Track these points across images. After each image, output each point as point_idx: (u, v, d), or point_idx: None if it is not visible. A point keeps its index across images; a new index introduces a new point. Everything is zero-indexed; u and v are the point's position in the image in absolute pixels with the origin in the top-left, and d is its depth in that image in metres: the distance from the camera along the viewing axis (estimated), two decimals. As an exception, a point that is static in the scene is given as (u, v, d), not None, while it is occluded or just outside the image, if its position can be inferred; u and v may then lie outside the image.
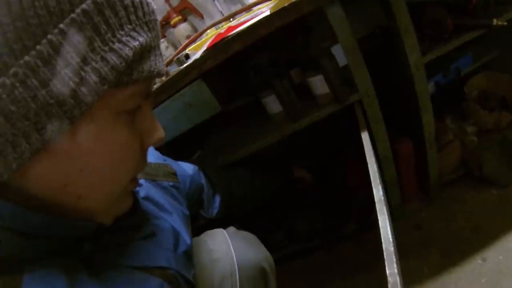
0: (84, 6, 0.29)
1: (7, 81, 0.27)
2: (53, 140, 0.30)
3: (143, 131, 0.40)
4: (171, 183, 0.66)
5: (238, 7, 1.46)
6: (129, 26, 0.32)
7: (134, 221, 0.50)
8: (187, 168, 0.81)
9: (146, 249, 0.48)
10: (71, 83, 0.29)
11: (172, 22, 1.52)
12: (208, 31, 1.11)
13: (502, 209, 1.08)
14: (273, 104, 0.96)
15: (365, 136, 0.78)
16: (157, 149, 0.75)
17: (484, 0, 1.03)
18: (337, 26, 0.82)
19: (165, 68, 0.37)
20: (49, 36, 0.27)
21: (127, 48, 0.32)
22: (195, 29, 1.54)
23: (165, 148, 0.97)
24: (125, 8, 0.32)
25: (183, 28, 1.49)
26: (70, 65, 0.29)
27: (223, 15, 1.53)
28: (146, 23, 0.35)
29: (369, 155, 0.68)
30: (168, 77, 0.88)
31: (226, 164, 1.00)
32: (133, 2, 0.33)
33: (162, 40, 1.56)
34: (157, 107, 0.86)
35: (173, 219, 0.58)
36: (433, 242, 1.11)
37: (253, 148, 0.98)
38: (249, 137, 1.03)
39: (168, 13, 1.55)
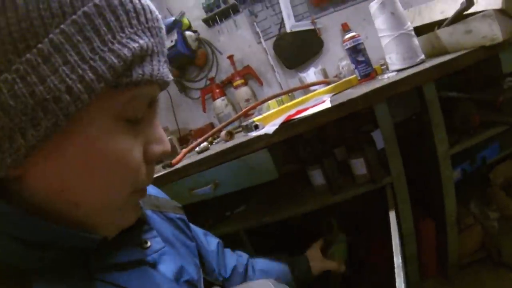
0: (85, 8, 0.31)
1: (9, 77, 0.29)
2: (48, 136, 0.31)
3: (147, 142, 0.41)
4: (177, 215, 0.67)
5: (295, 81, 1.69)
6: (130, 30, 0.35)
7: (141, 240, 0.50)
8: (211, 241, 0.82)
9: (149, 276, 0.47)
10: (68, 79, 0.30)
11: (234, 84, 1.75)
12: (270, 102, 1.32)
13: (521, 294, 1.11)
14: (317, 177, 1.12)
15: (392, 215, 0.93)
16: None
17: (511, 97, 1.15)
18: (381, 119, 0.98)
19: (170, 77, 0.42)
20: (50, 36, 0.30)
21: (126, 49, 0.34)
22: (254, 94, 1.76)
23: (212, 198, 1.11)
24: (127, 13, 0.34)
25: (244, 92, 1.72)
26: (69, 63, 0.31)
27: (280, 85, 1.75)
28: (148, 29, 0.37)
29: (394, 231, 0.84)
30: (233, 139, 1.07)
31: (269, 222, 1.13)
32: (135, 8, 0.35)
33: (223, 98, 1.79)
34: (224, 164, 1.03)
35: (175, 250, 0.59)
36: (449, 322, 1.14)
37: (294, 212, 1.12)
38: (292, 201, 1.17)
39: (232, 75, 1.78)
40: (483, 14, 0.93)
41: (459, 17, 1.03)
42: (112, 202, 0.39)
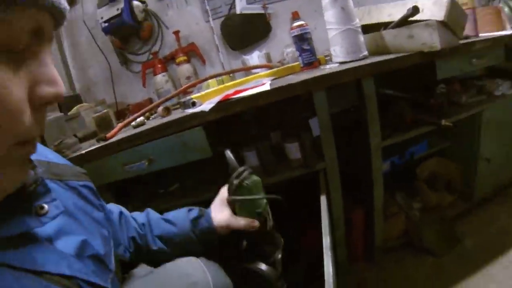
0: None
1: None
2: None
3: (34, 82, 0.34)
4: (81, 183, 0.58)
5: (238, 62, 1.67)
6: None
7: (36, 206, 0.42)
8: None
9: (45, 252, 0.41)
10: None
11: (177, 60, 1.69)
12: (210, 81, 1.28)
13: (436, 274, 1.25)
14: (252, 158, 1.10)
15: (323, 199, 0.95)
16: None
17: (441, 101, 1.25)
18: (318, 106, 1.01)
19: (66, 6, 0.35)
20: None
21: None
22: (195, 72, 1.72)
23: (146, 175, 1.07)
24: None
25: (186, 69, 1.67)
26: None
27: (223, 66, 1.72)
28: None
29: (324, 214, 0.86)
30: (170, 115, 1.03)
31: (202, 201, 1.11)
32: None
33: (164, 73, 1.72)
34: (159, 139, 0.99)
35: (78, 222, 0.52)
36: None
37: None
38: (226, 181, 1.15)
39: (176, 51, 1.72)
40: (426, 23, 1.01)
41: (404, 22, 1.11)
42: None
